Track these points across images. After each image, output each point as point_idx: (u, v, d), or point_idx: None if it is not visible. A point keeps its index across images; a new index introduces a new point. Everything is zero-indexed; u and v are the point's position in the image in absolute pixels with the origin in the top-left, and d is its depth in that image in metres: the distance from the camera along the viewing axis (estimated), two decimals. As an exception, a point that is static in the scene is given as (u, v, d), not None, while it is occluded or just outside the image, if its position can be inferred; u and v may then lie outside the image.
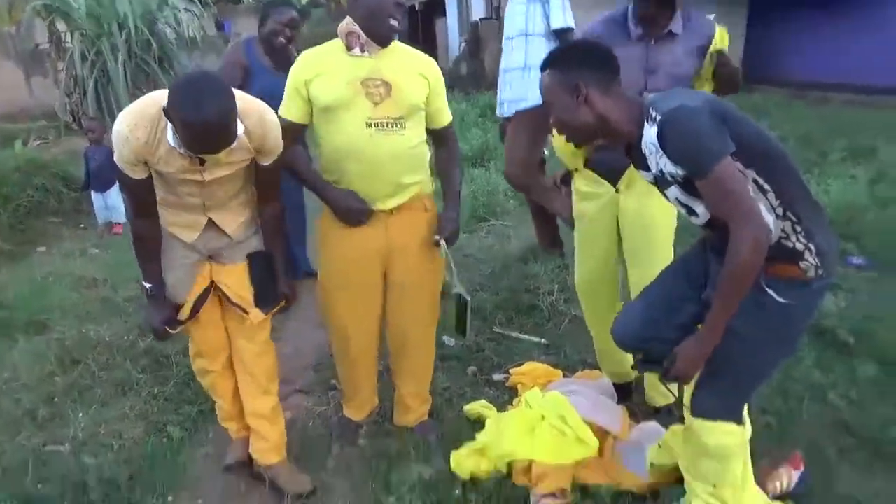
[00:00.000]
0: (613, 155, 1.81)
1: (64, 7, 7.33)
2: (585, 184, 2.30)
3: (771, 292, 1.61)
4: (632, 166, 1.92)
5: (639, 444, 2.22)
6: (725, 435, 1.73)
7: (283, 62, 3.26)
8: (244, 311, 2.10)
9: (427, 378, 2.52)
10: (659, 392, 2.42)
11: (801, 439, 2.27)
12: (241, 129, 1.77)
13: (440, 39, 14.49)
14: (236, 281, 2.08)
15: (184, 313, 2.05)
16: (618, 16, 2.19)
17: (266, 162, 1.92)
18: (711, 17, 2.17)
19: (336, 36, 2.05)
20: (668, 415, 2.36)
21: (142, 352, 3.10)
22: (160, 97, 1.73)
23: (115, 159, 1.80)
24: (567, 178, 2.45)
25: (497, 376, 2.85)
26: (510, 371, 2.83)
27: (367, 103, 2.00)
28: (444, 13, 14.99)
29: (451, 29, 13.82)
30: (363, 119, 2.00)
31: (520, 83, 2.76)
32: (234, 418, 2.33)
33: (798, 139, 6.05)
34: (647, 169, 1.69)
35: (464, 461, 2.19)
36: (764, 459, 1.98)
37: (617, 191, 2.23)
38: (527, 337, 3.15)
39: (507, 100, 3.19)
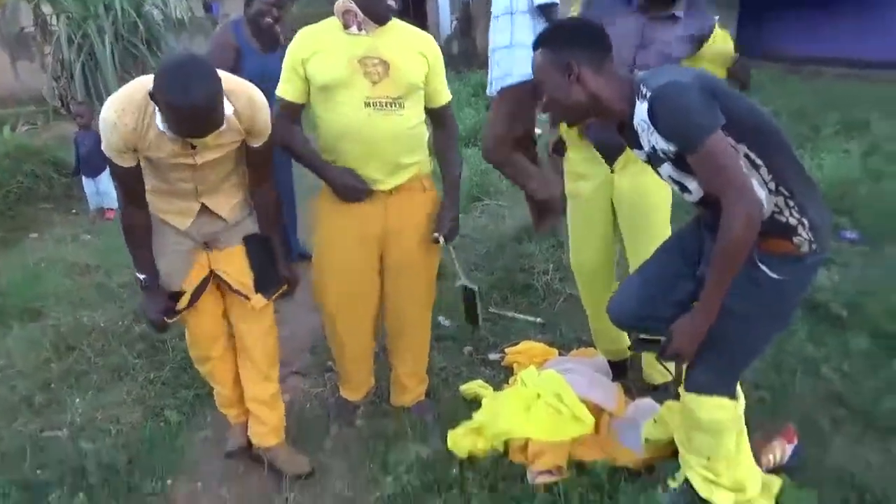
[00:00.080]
0: (613, 135, 1.80)
1: (49, -11, 7.22)
2: (580, 163, 2.29)
3: (764, 268, 1.61)
4: (628, 148, 1.91)
5: (634, 420, 2.24)
6: (718, 409, 1.74)
7: (271, 43, 3.23)
8: (246, 297, 2.09)
9: (424, 358, 2.53)
10: (656, 370, 2.43)
11: (795, 413, 2.30)
12: (229, 110, 1.75)
13: (431, 18, 14.32)
14: (236, 267, 2.07)
15: (182, 303, 2.04)
16: None
17: (256, 143, 1.91)
18: (716, 18, 2.19)
19: (329, 15, 2.02)
20: (664, 391, 2.37)
21: (137, 337, 3.10)
22: (146, 82, 1.71)
23: (103, 148, 1.77)
24: (559, 147, 2.43)
25: (493, 356, 2.87)
26: (506, 350, 2.84)
27: (366, 82, 1.97)
28: (435, -9, 14.79)
29: (441, 7, 13.65)
30: (361, 99, 1.98)
31: (507, 61, 2.73)
32: (234, 404, 2.33)
33: (791, 114, 6.04)
34: (640, 147, 1.68)
35: (461, 440, 2.20)
36: (757, 433, 2.00)
37: (612, 171, 2.22)
38: (522, 316, 3.16)
39: (495, 78, 3.17)
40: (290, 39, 2.07)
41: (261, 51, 3.19)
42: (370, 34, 2.00)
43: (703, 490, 1.83)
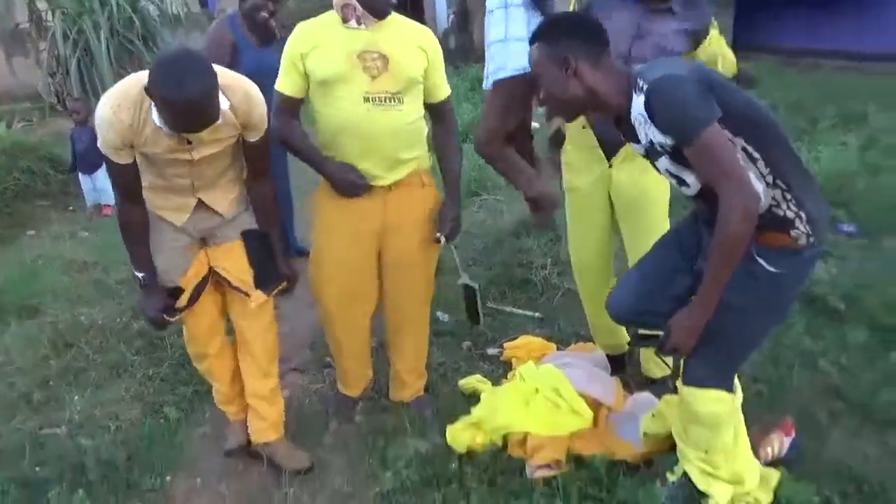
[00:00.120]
0: (612, 129, 1.80)
1: (44, -15, 7.19)
2: (578, 157, 2.29)
3: (762, 261, 1.61)
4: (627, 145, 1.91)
5: (632, 414, 2.24)
6: (716, 402, 1.74)
7: (267, 37, 3.21)
8: (246, 294, 2.09)
9: (423, 354, 2.53)
10: (655, 364, 2.43)
11: (792, 406, 2.30)
12: (225, 105, 1.74)
13: (428, 12, 14.27)
14: (235, 264, 2.06)
15: (182, 301, 2.03)
16: None
17: (253, 138, 1.90)
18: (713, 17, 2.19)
19: (327, 9, 2.01)
20: (663, 385, 2.38)
21: (135, 334, 3.09)
22: (142, 77, 1.71)
23: (99, 145, 1.77)
24: (557, 138, 2.42)
25: (491, 351, 2.87)
26: (504, 345, 2.84)
27: (365, 77, 1.97)
28: (431, -15, 14.73)
29: (438, 1, 13.61)
30: (360, 94, 1.97)
31: (501, 55, 2.72)
32: (233, 401, 2.33)
33: (789, 106, 6.02)
34: (638, 141, 1.68)
35: (459, 435, 2.21)
36: (755, 426, 2.00)
37: (610, 166, 2.21)
38: (520, 311, 3.16)
39: (490, 73, 3.15)
40: (286, 34, 2.06)
41: (257, 45, 3.18)
42: (369, 28, 1.99)
43: (701, 483, 1.84)
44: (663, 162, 1.65)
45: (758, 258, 1.61)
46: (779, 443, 2.05)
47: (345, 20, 1.98)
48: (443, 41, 2.07)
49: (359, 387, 2.54)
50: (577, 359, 2.56)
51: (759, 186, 1.56)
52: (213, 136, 1.79)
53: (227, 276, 2.06)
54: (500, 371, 2.70)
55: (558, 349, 2.75)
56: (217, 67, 1.72)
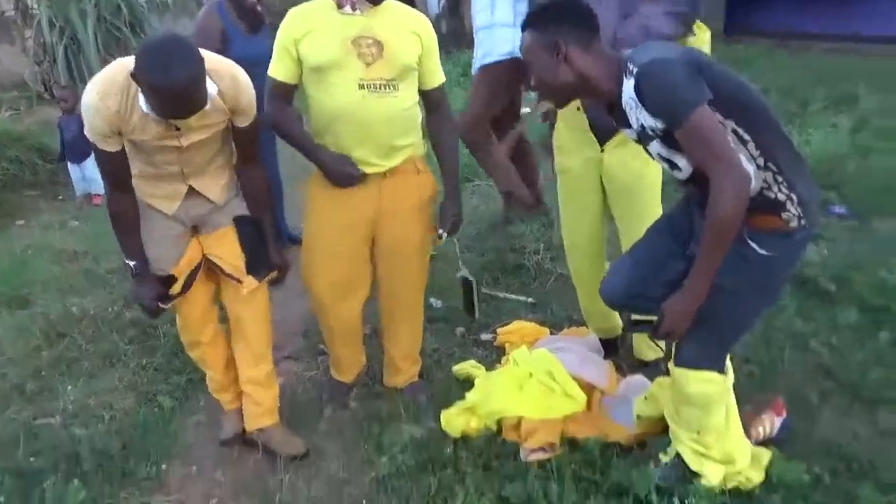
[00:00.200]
0: (605, 115, 1.79)
1: (28, -28, 7.09)
2: (569, 138, 2.28)
3: (753, 244, 1.62)
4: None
5: (625, 397, 2.26)
6: (707, 383, 1.76)
7: (255, 24, 3.18)
8: (238, 280, 2.08)
9: (417, 340, 2.53)
10: (648, 346, 2.45)
11: (783, 386, 2.32)
12: (213, 90, 1.73)
13: (419, -4, 14.21)
14: (228, 251, 2.06)
15: (175, 289, 2.02)
16: None
17: (242, 123, 1.89)
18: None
19: None
20: (655, 368, 2.39)
21: (128, 323, 3.08)
22: (128, 63, 1.69)
23: (86, 132, 1.75)
24: (549, 116, 2.41)
25: (485, 336, 2.87)
26: (498, 331, 2.85)
27: (359, 64, 1.95)
28: (422, -31, 14.61)
29: (429, -15, 13.53)
30: (355, 81, 1.95)
31: (488, 41, 2.70)
32: (227, 389, 2.32)
33: (780, 89, 6.02)
34: (630, 126, 1.67)
35: (454, 420, 2.22)
36: (747, 406, 2.02)
37: (602, 150, 2.21)
38: (513, 296, 3.16)
39: (477, 58, 3.14)
40: (276, 21, 2.04)
41: (247, 33, 3.15)
42: (364, 14, 1.97)
43: (693, 463, 1.86)
44: (655, 146, 1.65)
45: (749, 241, 1.62)
46: (770, 423, 2.07)
47: (339, 5, 1.96)
48: (435, 26, 2.05)
49: (352, 373, 2.54)
50: (570, 343, 2.57)
51: (750, 168, 1.57)
52: (201, 122, 1.78)
53: (220, 264, 2.05)
54: (493, 356, 2.71)
55: (551, 333, 2.76)
56: (204, 52, 1.70)
